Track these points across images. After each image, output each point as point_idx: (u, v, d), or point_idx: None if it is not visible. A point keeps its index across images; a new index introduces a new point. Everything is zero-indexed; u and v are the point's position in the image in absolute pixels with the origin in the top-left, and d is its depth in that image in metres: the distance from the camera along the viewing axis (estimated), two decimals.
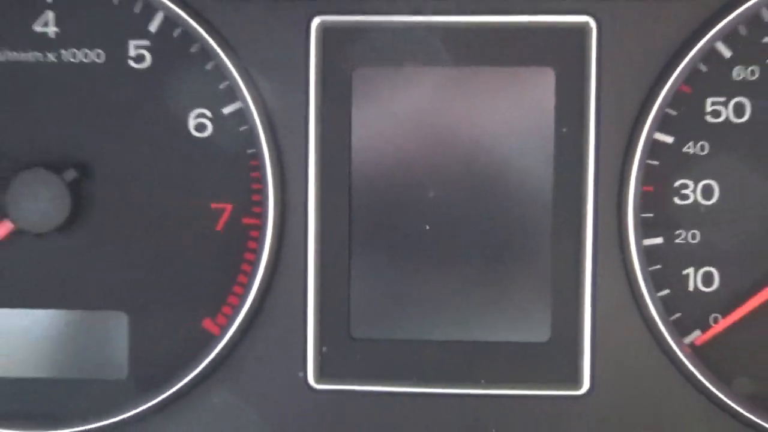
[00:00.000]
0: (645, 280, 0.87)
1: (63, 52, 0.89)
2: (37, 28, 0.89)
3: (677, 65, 0.85)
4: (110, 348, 0.91)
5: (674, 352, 0.87)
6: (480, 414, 0.90)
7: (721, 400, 0.87)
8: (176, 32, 0.88)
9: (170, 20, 0.88)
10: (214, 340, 0.89)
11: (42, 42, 0.89)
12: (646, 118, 0.86)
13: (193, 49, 0.88)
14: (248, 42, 0.88)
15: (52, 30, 0.89)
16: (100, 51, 0.89)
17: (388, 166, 0.91)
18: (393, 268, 0.91)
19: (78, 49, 0.90)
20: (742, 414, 0.87)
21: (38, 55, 0.90)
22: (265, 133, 0.88)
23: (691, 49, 0.85)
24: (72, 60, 0.89)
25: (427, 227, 0.89)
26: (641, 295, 0.87)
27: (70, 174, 0.88)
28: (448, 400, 0.89)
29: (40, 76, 0.90)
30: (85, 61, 0.90)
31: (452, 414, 0.89)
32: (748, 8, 0.85)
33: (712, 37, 0.85)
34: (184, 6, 0.88)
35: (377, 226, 0.91)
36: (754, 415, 0.87)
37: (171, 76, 0.89)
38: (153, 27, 0.88)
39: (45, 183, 0.87)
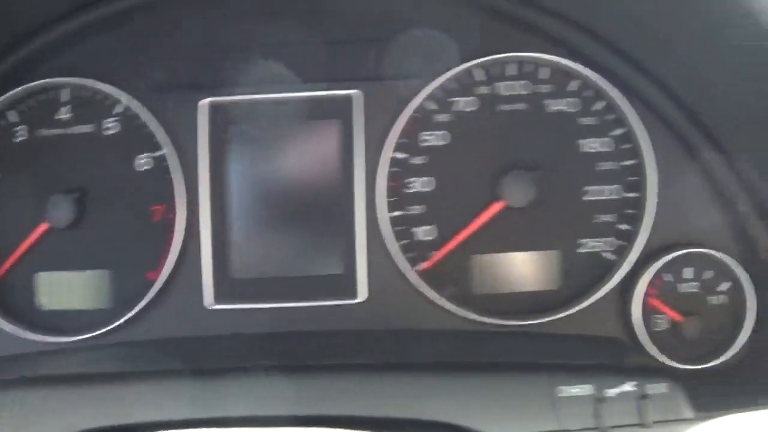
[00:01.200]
0: (391, 235, 1.18)
1: (73, 127, 1.22)
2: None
3: (404, 114, 1.19)
4: (95, 287, 1.22)
5: (407, 276, 1.18)
6: (310, 315, 1.19)
7: (436, 303, 1.18)
8: (129, 113, 1.21)
9: (129, 109, 1.21)
10: (154, 283, 1.20)
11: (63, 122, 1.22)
12: (388, 144, 1.18)
13: (137, 122, 1.21)
14: (168, 115, 1.20)
15: (66, 116, 1.22)
16: (90, 125, 1.23)
17: (250, 181, 1.20)
18: (252, 240, 1.21)
19: (84, 123, 1.22)
20: (448, 310, 1.18)
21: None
22: (178, 168, 1.20)
23: (410, 105, 1.18)
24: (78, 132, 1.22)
25: (273, 213, 1.20)
26: (388, 244, 1.18)
27: (75, 195, 1.20)
28: (290, 310, 1.19)
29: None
30: (87, 131, 1.23)
31: (295, 316, 1.19)
32: (441, 81, 1.17)
33: (423, 98, 1.18)
34: (140, 99, 1.20)
35: (243, 218, 1.20)
36: (454, 307, 1.17)
37: (129, 138, 1.22)
38: (119, 110, 1.22)
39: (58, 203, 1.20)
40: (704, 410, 1.00)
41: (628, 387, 1.00)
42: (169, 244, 1.21)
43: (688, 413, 0.99)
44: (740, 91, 1.03)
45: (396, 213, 1.21)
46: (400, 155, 1.20)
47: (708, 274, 1.19)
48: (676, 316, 1.18)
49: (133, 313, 1.20)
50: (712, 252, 1.17)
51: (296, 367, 1.05)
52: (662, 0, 0.99)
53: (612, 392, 1.00)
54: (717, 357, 1.17)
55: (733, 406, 1.00)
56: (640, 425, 0.96)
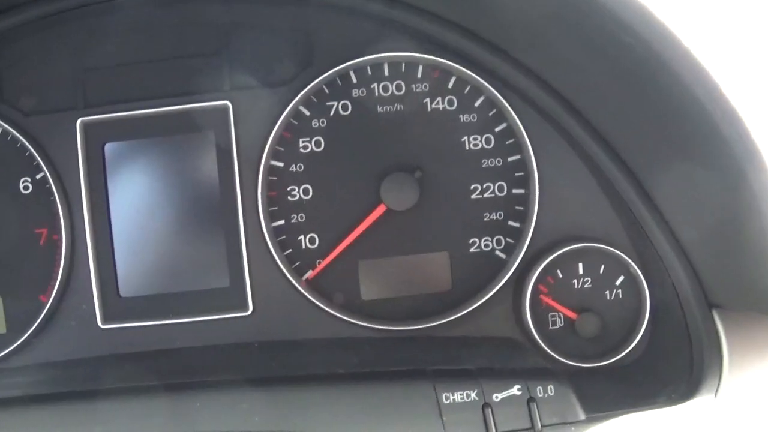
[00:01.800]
0: (274, 245, 1.17)
1: None
2: None
3: (277, 121, 1.16)
4: None
5: (295, 286, 1.17)
6: (200, 329, 1.18)
7: (325, 311, 1.18)
8: (9, 137, 1.19)
9: (7, 134, 1.18)
10: (44, 305, 1.20)
11: None
12: (263, 153, 1.16)
13: (18, 146, 1.19)
14: (44, 137, 1.19)
15: None
16: None
17: (130, 198, 1.20)
18: (137, 258, 1.21)
19: None
20: (337, 318, 1.17)
21: None
22: (57, 189, 1.19)
23: (283, 112, 1.16)
24: None
25: (156, 229, 1.19)
26: (273, 255, 1.17)
27: None
28: (181, 326, 1.19)
29: None
30: None
31: (186, 332, 1.19)
32: (313, 86, 1.16)
33: (297, 103, 1.16)
34: (16, 124, 1.19)
35: (126, 237, 1.20)
36: (343, 314, 1.17)
37: (11, 162, 1.21)
38: None
39: None
40: (600, 410, 0.98)
41: (515, 390, 0.99)
42: (57, 266, 1.20)
43: (580, 415, 0.97)
44: (610, 82, 1.02)
45: (278, 222, 1.20)
46: (277, 163, 1.19)
47: (601, 270, 1.17)
48: (570, 314, 1.16)
49: (25, 336, 1.20)
50: (602, 246, 1.15)
51: (186, 383, 1.05)
52: None
53: (499, 397, 0.98)
54: (615, 354, 1.16)
55: (630, 405, 0.99)
56: (531, 429, 0.95)
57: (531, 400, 0.96)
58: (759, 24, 0.88)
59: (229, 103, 1.17)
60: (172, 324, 1.19)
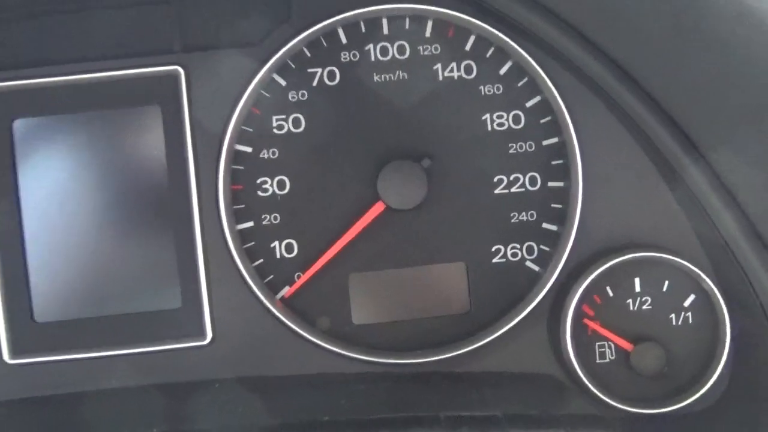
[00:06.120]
0: (240, 255, 1.01)
1: None
2: None
3: (244, 93, 1.00)
4: None
5: (267, 306, 1.01)
6: (141, 365, 1.02)
7: (307, 340, 1.02)
8: None
9: None
10: None
11: None
12: (225, 135, 1.01)
13: None
14: None
15: None
16: None
17: (47, 193, 1.03)
18: (56, 271, 1.03)
19: None
20: (322, 348, 1.01)
21: None
22: None
23: (251, 81, 1.00)
24: None
25: (81, 235, 1.02)
26: (237, 264, 1.01)
27: None
28: (111, 359, 1.01)
29: None
30: None
31: (114, 368, 1.02)
32: (291, 48, 1.00)
33: (269, 69, 1.00)
34: None
35: (42, 243, 1.02)
36: (330, 343, 1.01)
37: None
38: None
39: None
40: None
41: None
42: None
43: None
44: (678, 35, 0.87)
45: (245, 225, 1.04)
46: (243, 148, 1.03)
47: (664, 286, 1.00)
48: (624, 344, 1.00)
49: None
50: (666, 256, 0.99)
51: None
52: None
53: None
54: (683, 397, 0.99)
55: None
56: None
57: None
58: None
59: (180, 69, 1.02)
60: (103, 358, 1.02)
